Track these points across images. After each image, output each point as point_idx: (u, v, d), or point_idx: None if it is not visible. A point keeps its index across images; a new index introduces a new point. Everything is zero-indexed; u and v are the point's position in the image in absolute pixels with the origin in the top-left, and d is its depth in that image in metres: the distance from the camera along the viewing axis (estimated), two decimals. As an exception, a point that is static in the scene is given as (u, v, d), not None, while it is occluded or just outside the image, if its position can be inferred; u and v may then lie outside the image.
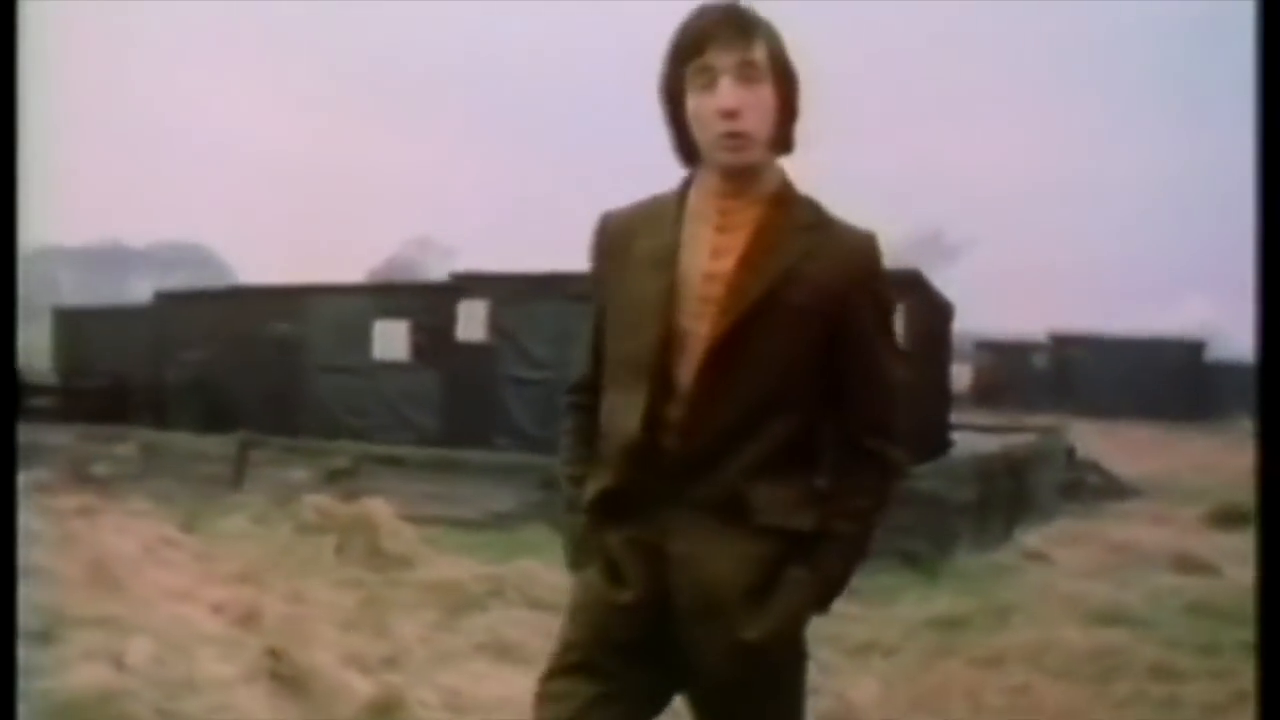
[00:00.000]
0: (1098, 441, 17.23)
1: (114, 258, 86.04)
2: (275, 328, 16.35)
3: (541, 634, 5.69)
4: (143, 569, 7.72)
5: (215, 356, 16.87)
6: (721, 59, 2.22)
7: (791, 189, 2.36)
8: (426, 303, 15.44)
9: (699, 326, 2.26)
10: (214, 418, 15.31)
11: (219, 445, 12.95)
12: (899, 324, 12.23)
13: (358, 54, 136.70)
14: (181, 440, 13.49)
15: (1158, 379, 33.19)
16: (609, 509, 2.36)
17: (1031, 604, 7.43)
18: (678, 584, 2.28)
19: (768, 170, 2.34)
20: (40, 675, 5.41)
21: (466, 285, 14.68)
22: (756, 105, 2.24)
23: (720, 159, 2.28)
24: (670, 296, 2.28)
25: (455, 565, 8.12)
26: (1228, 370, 34.26)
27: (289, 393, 15.99)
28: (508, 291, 14.30)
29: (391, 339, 15.47)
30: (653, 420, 2.28)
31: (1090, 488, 14.28)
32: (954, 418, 14.75)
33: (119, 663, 5.71)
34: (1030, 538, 10.52)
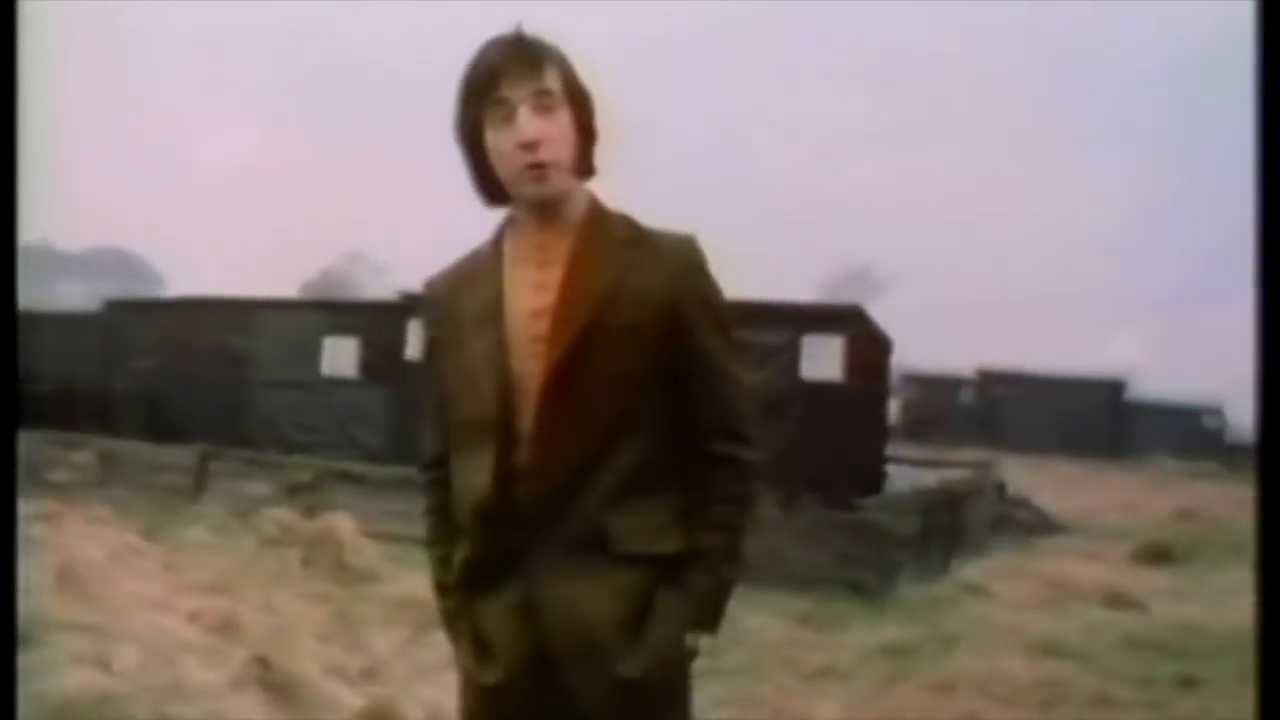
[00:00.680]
0: (1025, 477, 17.63)
1: (43, 260, 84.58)
2: (226, 341, 16.39)
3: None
4: (113, 576, 7.81)
5: (164, 366, 16.86)
6: (516, 90, 2.19)
7: (601, 208, 2.32)
8: (377, 321, 15.58)
9: (534, 367, 2.21)
10: (162, 428, 15.28)
11: (178, 455, 12.94)
12: (839, 358, 12.70)
13: (296, 65, 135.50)
14: (140, 450, 13.48)
15: (1080, 417, 34.01)
16: (476, 577, 2.30)
17: (974, 634, 7.74)
18: (550, 629, 2.21)
19: (576, 197, 2.30)
20: (28, 678, 5.57)
21: (417, 304, 14.72)
22: (556, 134, 2.21)
23: (526, 192, 2.24)
24: (500, 347, 2.24)
25: (421, 582, 8.26)
26: (1147, 410, 35.38)
27: (237, 406, 16.00)
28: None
29: (341, 356, 15.61)
30: (502, 473, 2.22)
31: (1020, 523, 14.61)
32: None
33: (107, 668, 5.87)
34: (968, 570, 10.81)
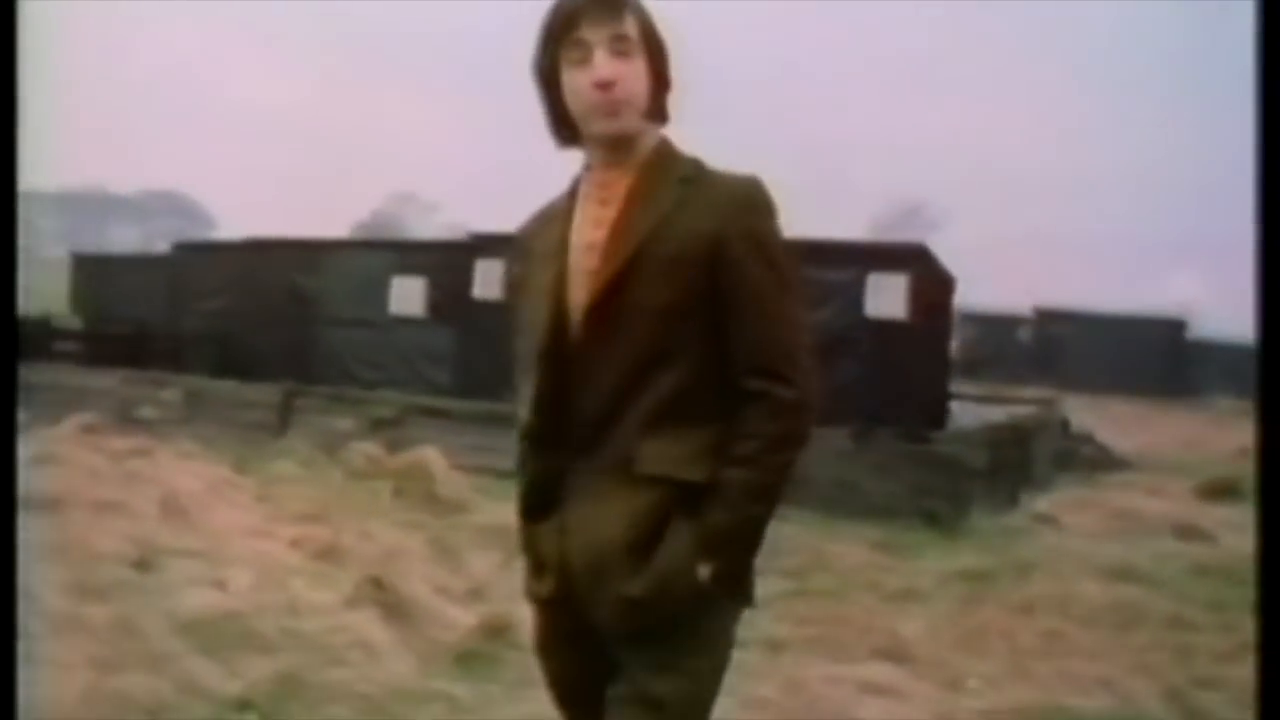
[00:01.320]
0: (1085, 415, 17.63)
1: (97, 204, 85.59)
2: (293, 281, 16.66)
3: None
4: (212, 506, 8.12)
5: (232, 307, 17.14)
6: (594, 33, 2.24)
7: (669, 150, 2.37)
8: (444, 260, 15.70)
9: (583, 298, 2.27)
10: (230, 367, 15.59)
11: (262, 393, 13.22)
12: (903, 296, 12.77)
13: (347, 9, 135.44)
14: (224, 388, 13.75)
15: (1140, 356, 33.69)
16: (532, 501, 2.38)
17: (1048, 561, 7.88)
18: (572, 548, 2.29)
19: (646, 138, 2.34)
20: (156, 596, 5.88)
21: (484, 244, 14.90)
22: (631, 76, 2.26)
23: (597, 127, 2.28)
24: (559, 280, 2.30)
25: (508, 511, 8.53)
26: (1208, 349, 34.92)
27: (305, 345, 16.25)
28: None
29: (408, 295, 15.76)
30: (550, 400, 2.30)
31: (1084, 459, 14.66)
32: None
33: (224, 588, 6.17)
34: (1037, 502, 10.99)
